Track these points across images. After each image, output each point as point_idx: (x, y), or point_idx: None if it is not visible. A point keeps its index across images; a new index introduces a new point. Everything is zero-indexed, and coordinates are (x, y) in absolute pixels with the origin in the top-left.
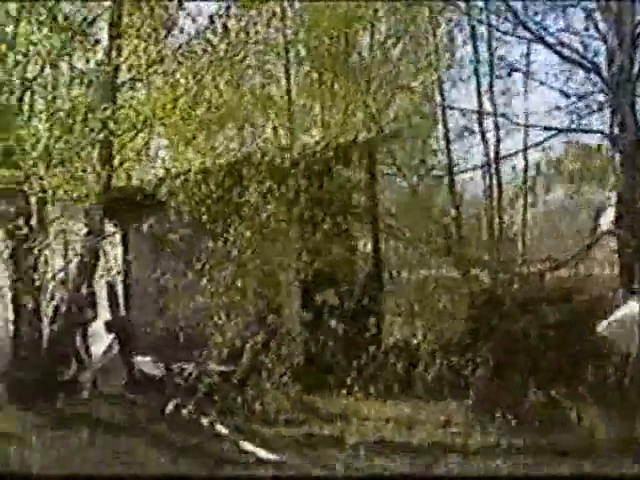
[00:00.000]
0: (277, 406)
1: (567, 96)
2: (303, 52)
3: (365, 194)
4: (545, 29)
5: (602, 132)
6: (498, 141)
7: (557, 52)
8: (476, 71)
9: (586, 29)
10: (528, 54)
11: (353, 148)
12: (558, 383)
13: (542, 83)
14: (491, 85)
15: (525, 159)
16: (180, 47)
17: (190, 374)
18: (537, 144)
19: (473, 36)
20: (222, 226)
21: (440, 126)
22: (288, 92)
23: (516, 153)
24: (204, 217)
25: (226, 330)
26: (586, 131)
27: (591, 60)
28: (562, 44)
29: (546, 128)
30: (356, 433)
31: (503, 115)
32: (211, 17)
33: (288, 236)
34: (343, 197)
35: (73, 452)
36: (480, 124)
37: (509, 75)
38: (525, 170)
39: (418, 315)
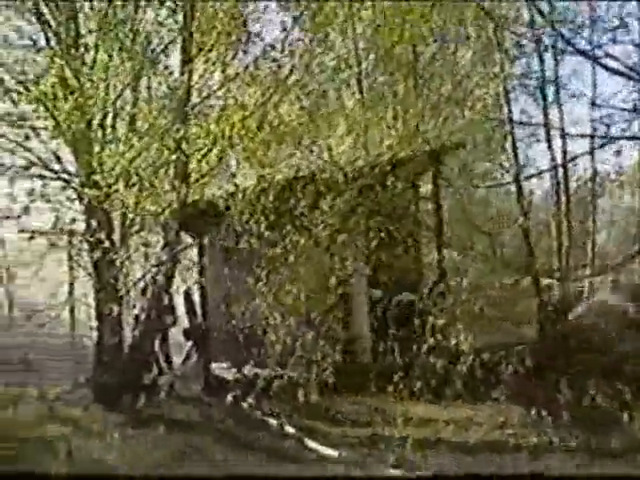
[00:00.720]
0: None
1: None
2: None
3: (430, 204)
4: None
5: None
6: (565, 148)
7: (603, 65)
8: (542, 81)
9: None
10: None
11: (418, 159)
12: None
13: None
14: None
15: (593, 167)
16: (247, 67)
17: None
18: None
19: (538, 48)
20: (279, 235)
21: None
22: (362, 103)
23: (577, 156)
24: (262, 227)
25: (279, 329)
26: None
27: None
28: (608, 55)
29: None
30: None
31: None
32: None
33: (343, 245)
34: (406, 208)
35: (149, 446)
36: (547, 132)
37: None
38: (593, 178)
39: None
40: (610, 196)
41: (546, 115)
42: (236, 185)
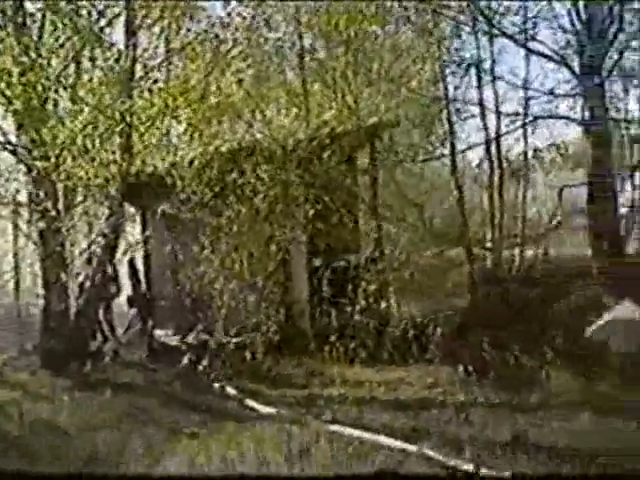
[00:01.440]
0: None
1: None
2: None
3: (366, 178)
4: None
5: (575, 119)
6: (498, 124)
7: (523, 45)
8: (478, 60)
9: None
10: None
11: (355, 134)
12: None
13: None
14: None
15: (525, 143)
16: (190, 43)
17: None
18: (514, 129)
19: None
20: (223, 205)
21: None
22: (303, 80)
23: (504, 133)
24: (206, 197)
25: (223, 294)
26: (560, 117)
27: (560, 54)
28: (533, 39)
29: (519, 114)
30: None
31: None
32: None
33: (281, 214)
34: (342, 180)
35: (96, 409)
36: (481, 110)
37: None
38: (525, 155)
39: (418, 292)
40: (547, 172)
41: (480, 93)
42: (181, 157)
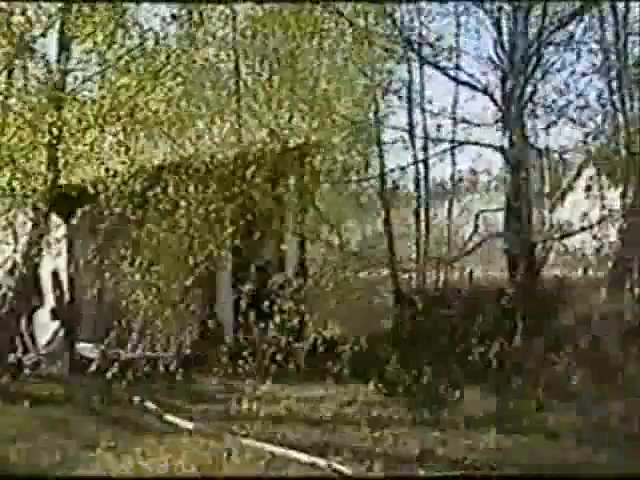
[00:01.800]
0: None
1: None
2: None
3: (295, 199)
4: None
5: (494, 146)
6: (426, 147)
7: (449, 75)
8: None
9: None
10: None
11: (283, 154)
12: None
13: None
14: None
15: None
16: (121, 58)
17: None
18: (437, 154)
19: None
20: (144, 219)
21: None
22: (237, 98)
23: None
24: (129, 210)
25: (142, 306)
26: (481, 144)
27: (483, 83)
28: (457, 67)
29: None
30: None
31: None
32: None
33: (202, 230)
34: (269, 200)
35: (13, 420)
36: (410, 133)
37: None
38: (452, 177)
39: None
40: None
41: (410, 117)
42: (107, 170)
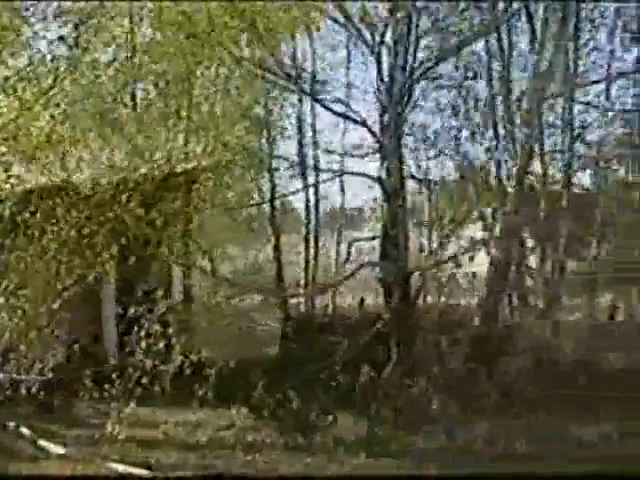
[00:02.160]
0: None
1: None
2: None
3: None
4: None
5: (372, 176)
6: (317, 175)
7: (328, 108)
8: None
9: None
10: None
11: (171, 178)
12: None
13: None
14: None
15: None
16: (7, 79)
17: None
18: (315, 184)
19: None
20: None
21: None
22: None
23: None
24: None
25: (6, 328)
26: (359, 174)
27: (361, 116)
28: (338, 101)
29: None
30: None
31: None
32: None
33: (73, 255)
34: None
35: None
36: (301, 163)
37: None
38: (341, 207)
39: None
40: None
41: (301, 146)
42: None
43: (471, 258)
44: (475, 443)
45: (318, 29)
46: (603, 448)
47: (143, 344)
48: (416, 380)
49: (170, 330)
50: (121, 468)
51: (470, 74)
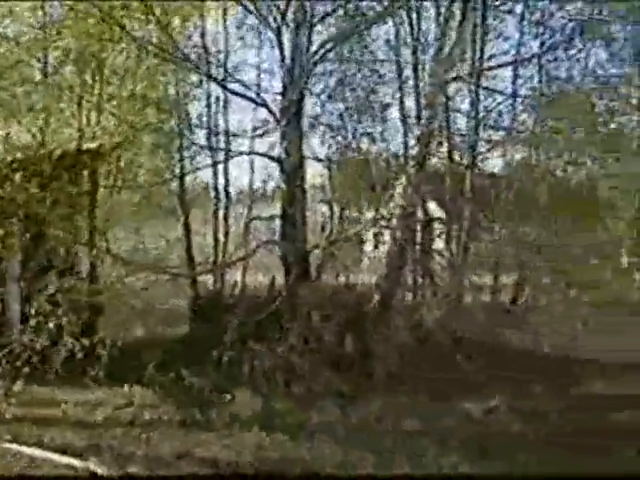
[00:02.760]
0: None
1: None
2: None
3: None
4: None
5: (272, 157)
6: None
7: (226, 88)
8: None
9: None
10: None
11: (74, 157)
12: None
13: None
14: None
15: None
16: None
17: None
18: (219, 162)
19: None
20: None
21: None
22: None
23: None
24: None
25: None
26: (258, 154)
27: (261, 96)
28: (238, 81)
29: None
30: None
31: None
32: None
33: None
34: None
35: None
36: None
37: None
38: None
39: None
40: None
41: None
42: None
43: (374, 237)
44: (368, 420)
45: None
46: (489, 423)
47: (32, 322)
48: (306, 357)
49: (60, 310)
50: (13, 447)
51: (374, 57)
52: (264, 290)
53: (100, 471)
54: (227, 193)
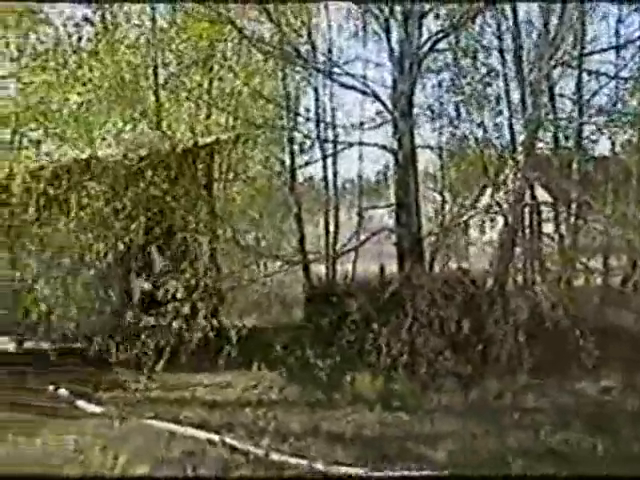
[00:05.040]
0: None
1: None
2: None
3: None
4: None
5: (385, 147)
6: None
7: (337, 81)
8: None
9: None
10: None
11: (193, 152)
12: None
13: None
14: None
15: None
16: (35, 59)
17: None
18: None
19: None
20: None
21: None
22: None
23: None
24: (32, 209)
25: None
26: (371, 145)
27: (372, 88)
28: (348, 74)
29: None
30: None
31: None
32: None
33: (104, 227)
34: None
35: None
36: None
37: None
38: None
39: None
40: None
41: (318, 119)
42: (11, 169)
43: (484, 224)
44: (485, 398)
45: None
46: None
47: (170, 308)
48: (426, 339)
49: (195, 295)
50: (150, 423)
51: (479, 46)
52: (374, 278)
53: (238, 445)
54: (336, 184)
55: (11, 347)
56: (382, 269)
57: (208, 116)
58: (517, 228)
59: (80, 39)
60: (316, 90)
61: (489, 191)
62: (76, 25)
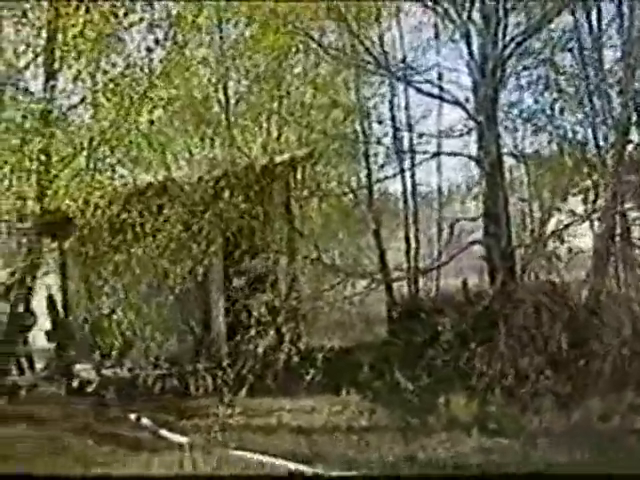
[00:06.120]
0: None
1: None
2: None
3: (281, 215)
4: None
5: (470, 156)
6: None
7: (420, 90)
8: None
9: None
10: None
11: (269, 170)
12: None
13: None
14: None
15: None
16: (107, 84)
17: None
18: (415, 165)
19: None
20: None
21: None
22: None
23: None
24: (106, 234)
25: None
26: (455, 154)
27: (454, 95)
28: (427, 82)
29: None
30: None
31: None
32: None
33: (180, 249)
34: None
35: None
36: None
37: None
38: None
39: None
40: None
41: (395, 129)
42: (88, 194)
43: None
44: (590, 420)
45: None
46: None
47: (253, 332)
48: (524, 357)
49: (279, 318)
50: (241, 454)
51: (559, 47)
52: (457, 293)
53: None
54: (415, 198)
55: (91, 375)
56: (465, 283)
57: (279, 133)
58: (610, 236)
59: (151, 60)
60: (391, 101)
61: (578, 198)
62: (148, 50)
